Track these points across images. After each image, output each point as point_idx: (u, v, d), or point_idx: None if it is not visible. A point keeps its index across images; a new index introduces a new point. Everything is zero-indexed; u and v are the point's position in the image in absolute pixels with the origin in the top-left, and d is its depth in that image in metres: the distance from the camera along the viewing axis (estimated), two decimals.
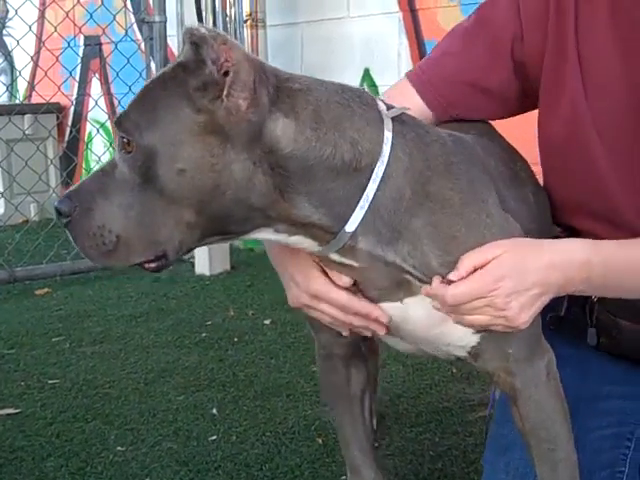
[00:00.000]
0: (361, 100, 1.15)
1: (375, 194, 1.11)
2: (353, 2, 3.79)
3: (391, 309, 1.22)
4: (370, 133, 1.12)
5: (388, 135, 1.13)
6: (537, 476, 1.29)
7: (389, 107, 1.18)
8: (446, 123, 1.43)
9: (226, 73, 1.03)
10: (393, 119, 1.15)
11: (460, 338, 1.23)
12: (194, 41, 1.03)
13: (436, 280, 1.16)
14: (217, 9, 3.51)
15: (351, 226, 1.12)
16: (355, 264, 1.17)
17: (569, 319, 1.48)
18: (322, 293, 1.21)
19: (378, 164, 1.11)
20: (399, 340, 1.30)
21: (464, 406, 2.21)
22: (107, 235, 1.07)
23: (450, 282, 1.15)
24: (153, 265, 1.10)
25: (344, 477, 1.85)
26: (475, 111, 1.46)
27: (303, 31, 3.83)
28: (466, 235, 1.17)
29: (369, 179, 1.11)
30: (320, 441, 2.04)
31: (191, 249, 1.13)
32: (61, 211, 1.09)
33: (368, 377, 1.49)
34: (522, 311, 1.16)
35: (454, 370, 2.43)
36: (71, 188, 1.12)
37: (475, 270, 1.15)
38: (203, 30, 1.03)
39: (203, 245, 1.14)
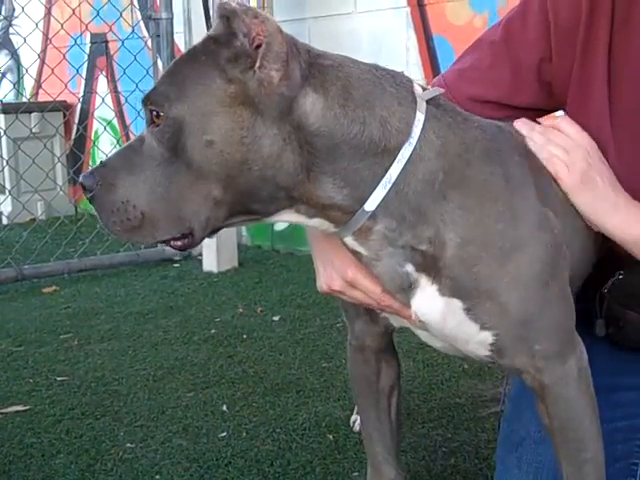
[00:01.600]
0: (395, 80, 1.13)
1: (403, 175, 1.10)
2: None
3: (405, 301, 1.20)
4: (401, 113, 1.11)
5: (420, 117, 1.12)
6: (561, 475, 1.26)
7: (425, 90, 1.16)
8: None
9: (258, 46, 1.02)
10: (428, 102, 1.14)
11: (472, 335, 1.20)
12: (225, 14, 1.03)
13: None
14: None
15: (370, 205, 1.10)
16: (365, 252, 1.15)
17: (579, 310, 1.46)
18: (358, 280, 1.21)
19: (406, 145, 1.10)
20: (430, 335, 1.27)
21: (476, 402, 2.19)
22: (131, 210, 1.06)
23: None
24: (179, 243, 1.09)
25: (356, 473, 1.84)
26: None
27: (310, 27, 3.81)
28: (494, 224, 1.15)
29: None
30: (331, 437, 2.02)
31: (217, 228, 1.11)
32: (85, 185, 1.08)
33: (398, 373, 1.47)
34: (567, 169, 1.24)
35: (465, 366, 2.41)
36: (98, 163, 1.11)
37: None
38: (234, 4, 1.02)
39: (228, 225, 1.12)
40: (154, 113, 1.06)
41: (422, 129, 1.11)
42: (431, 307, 1.18)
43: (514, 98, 1.42)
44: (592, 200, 1.25)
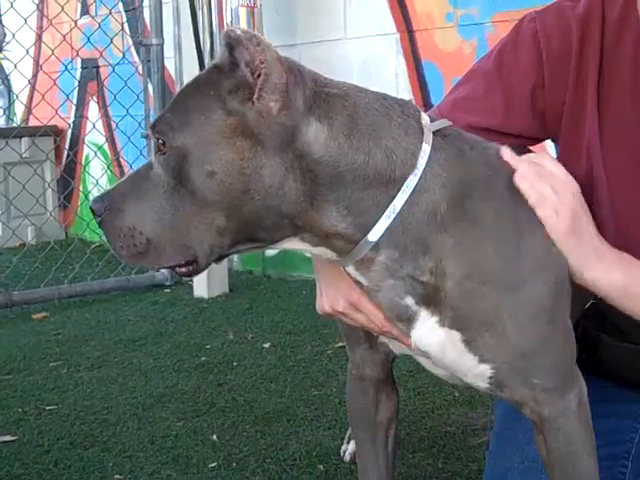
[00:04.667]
0: (403, 110, 1.13)
1: (407, 206, 1.10)
2: (350, 24, 3.80)
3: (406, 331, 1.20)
4: (407, 143, 1.11)
5: (426, 148, 1.11)
6: None
7: (434, 121, 1.16)
8: None
9: (260, 75, 1.03)
10: (435, 133, 1.14)
11: (470, 368, 1.20)
12: (229, 42, 1.03)
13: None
14: (215, 31, 3.51)
15: (374, 235, 1.10)
16: (365, 283, 1.15)
17: None
18: (362, 303, 1.21)
19: (411, 176, 1.10)
20: (432, 363, 1.27)
21: (467, 431, 2.18)
22: (137, 237, 1.08)
23: None
24: (184, 270, 1.11)
25: None
26: None
27: (301, 52, 3.82)
28: (495, 262, 1.14)
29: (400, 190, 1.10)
30: (322, 467, 2.01)
31: (222, 256, 1.12)
32: (93, 210, 1.11)
33: (397, 406, 1.46)
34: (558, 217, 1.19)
35: (456, 394, 2.40)
36: (108, 188, 1.14)
37: None
38: (239, 32, 1.02)
39: (234, 253, 1.14)
40: (160, 141, 1.08)
41: (428, 160, 1.11)
42: (431, 338, 1.18)
43: (509, 126, 1.42)
44: (578, 248, 1.21)
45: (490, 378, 1.20)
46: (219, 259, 1.12)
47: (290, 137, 1.05)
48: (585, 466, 1.23)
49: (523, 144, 1.43)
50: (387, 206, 1.09)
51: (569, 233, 1.19)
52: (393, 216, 1.10)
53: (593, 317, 1.39)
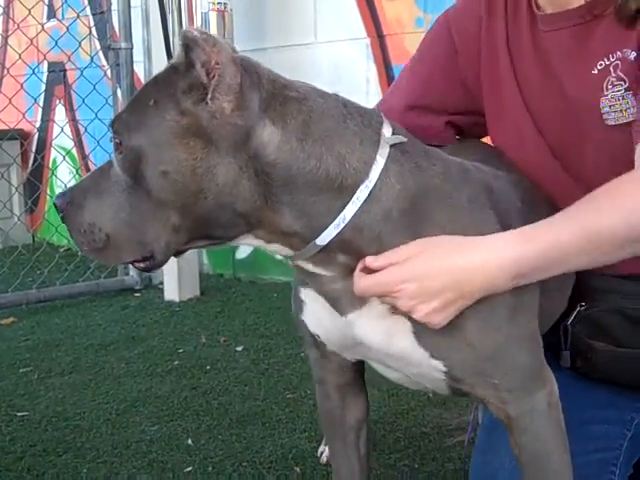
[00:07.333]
0: (363, 119, 1.14)
1: (359, 214, 1.11)
2: (320, 28, 3.81)
3: (349, 324, 1.21)
4: (361, 153, 1.12)
5: (380, 160, 1.12)
6: None
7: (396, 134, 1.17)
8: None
9: (214, 76, 1.03)
10: (395, 146, 1.14)
11: (421, 361, 1.20)
12: (185, 43, 1.03)
13: (360, 264, 1.14)
14: None
15: (322, 240, 1.12)
16: (325, 273, 1.17)
17: (549, 343, 1.48)
18: None
19: (362, 187, 1.11)
20: (385, 368, 1.28)
21: (442, 431, 2.19)
22: (97, 233, 1.11)
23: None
24: (142, 265, 1.14)
25: None
26: (421, 131, 1.42)
27: (271, 57, 3.82)
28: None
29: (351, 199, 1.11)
30: (298, 470, 2.01)
31: (180, 252, 1.15)
32: (56, 205, 1.14)
33: (367, 407, 1.46)
34: (431, 314, 1.13)
35: (430, 395, 2.42)
36: (73, 184, 1.17)
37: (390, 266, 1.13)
38: (195, 32, 1.03)
39: (192, 248, 1.16)
40: (117, 140, 1.09)
41: (382, 171, 1.12)
42: (379, 324, 1.19)
43: (441, 102, 1.54)
44: (454, 295, 1.13)
45: (445, 373, 1.21)
46: (178, 254, 1.15)
47: (244, 137, 1.06)
48: (557, 466, 1.24)
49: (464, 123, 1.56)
50: (340, 212, 1.11)
51: (437, 310, 1.13)
52: (342, 225, 1.11)
53: (584, 324, 1.41)
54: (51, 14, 5.05)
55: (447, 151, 1.30)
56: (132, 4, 4.03)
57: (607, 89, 1.33)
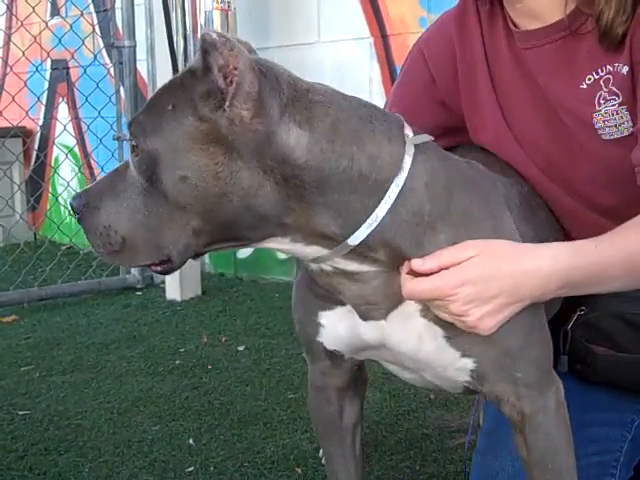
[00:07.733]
0: (385, 119, 1.15)
1: (392, 211, 1.11)
2: (324, 27, 3.81)
3: (376, 328, 1.21)
4: (390, 151, 1.12)
5: (408, 158, 1.13)
6: None
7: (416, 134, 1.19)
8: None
9: (232, 82, 1.02)
10: (417, 145, 1.16)
11: (451, 362, 1.21)
12: (203, 47, 1.02)
13: (405, 267, 1.14)
14: (188, 33, 3.50)
15: (354, 240, 1.12)
16: (364, 269, 1.16)
17: None
18: None
19: (393, 185, 1.11)
20: (401, 369, 1.28)
21: (443, 433, 2.19)
22: (113, 235, 1.10)
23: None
24: (159, 268, 1.13)
25: None
26: None
27: (274, 56, 3.81)
28: None
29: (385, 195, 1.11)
30: (300, 471, 2.01)
31: (200, 254, 1.13)
32: (72, 206, 1.13)
33: (361, 408, 1.47)
34: (484, 319, 1.14)
35: (432, 396, 2.42)
36: (88, 185, 1.16)
37: (441, 269, 1.12)
38: (214, 36, 1.01)
39: (214, 250, 1.14)
40: (133, 142, 1.08)
41: (411, 168, 1.13)
42: (409, 326, 1.19)
43: (431, 127, 1.53)
44: (508, 300, 1.16)
45: (472, 372, 1.21)
46: (196, 256, 1.13)
47: (266, 142, 1.05)
48: (564, 464, 1.25)
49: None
50: (373, 210, 1.11)
51: (490, 314, 1.14)
52: (375, 223, 1.11)
53: (583, 329, 1.41)
54: (54, 12, 5.06)
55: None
56: (135, 2, 4.04)
57: (599, 104, 1.32)
